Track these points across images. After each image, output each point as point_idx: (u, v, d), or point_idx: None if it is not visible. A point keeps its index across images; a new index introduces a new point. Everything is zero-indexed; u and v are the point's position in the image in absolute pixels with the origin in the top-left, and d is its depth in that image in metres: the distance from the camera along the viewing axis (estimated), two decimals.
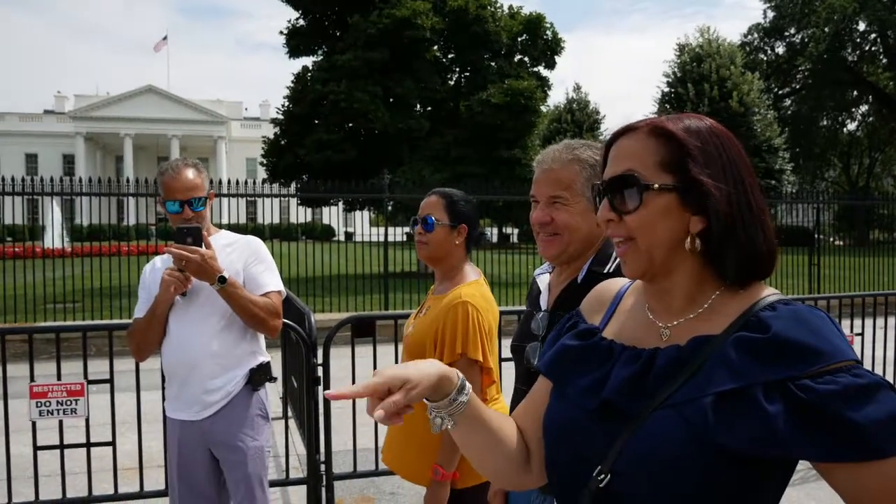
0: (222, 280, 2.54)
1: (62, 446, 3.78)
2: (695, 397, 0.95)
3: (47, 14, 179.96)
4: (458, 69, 23.07)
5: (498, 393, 2.47)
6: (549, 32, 22.52)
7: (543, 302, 1.84)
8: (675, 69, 29.09)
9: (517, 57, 22.80)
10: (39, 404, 3.55)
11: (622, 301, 1.19)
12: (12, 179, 10.32)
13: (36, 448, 3.75)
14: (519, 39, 22.42)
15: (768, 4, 45.63)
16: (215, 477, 2.75)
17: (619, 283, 1.25)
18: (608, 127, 39.42)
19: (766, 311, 0.99)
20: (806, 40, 44.14)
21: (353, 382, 4.33)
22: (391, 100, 20.78)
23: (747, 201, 1.02)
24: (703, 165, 1.01)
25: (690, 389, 0.96)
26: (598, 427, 1.03)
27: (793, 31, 45.35)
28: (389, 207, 14.60)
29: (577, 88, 41.01)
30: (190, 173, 2.64)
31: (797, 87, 47.29)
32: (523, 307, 2.12)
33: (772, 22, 45.73)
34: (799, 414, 0.89)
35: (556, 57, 22.99)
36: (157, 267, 2.77)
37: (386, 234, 12.24)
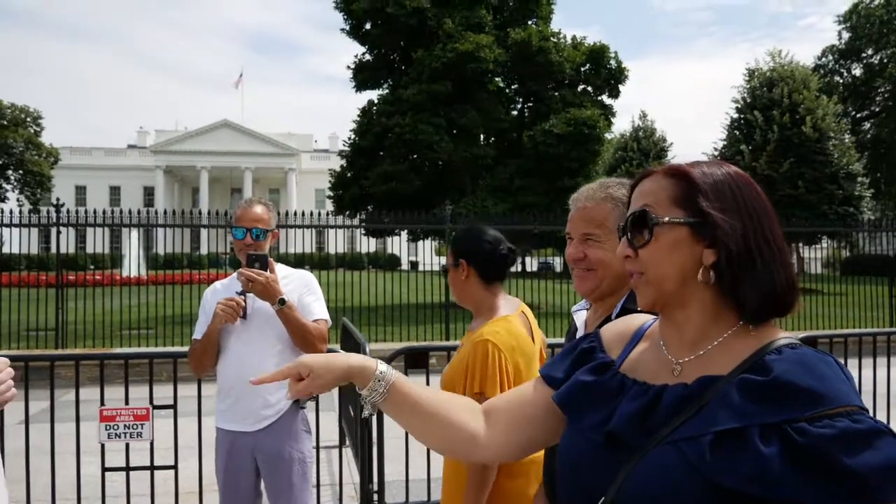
0: (282, 301, 2.83)
1: (128, 468, 3.95)
2: (695, 435, 0.97)
3: (129, 54, 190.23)
4: (521, 99, 23.23)
5: None
6: (612, 62, 22.47)
7: None
8: (745, 95, 28.44)
9: (581, 86, 22.80)
10: (108, 427, 3.72)
11: (643, 338, 1.22)
12: (94, 212, 10.91)
13: (104, 470, 3.93)
14: (582, 69, 22.44)
15: (843, 25, 44.30)
16: (256, 485, 3.03)
17: (642, 318, 1.27)
18: (675, 154, 38.71)
19: (772, 355, 1.01)
20: (885, 61, 42.58)
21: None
22: (455, 131, 21.04)
23: (764, 238, 1.05)
24: (714, 201, 1.05)
25: (692, 427, 0.98)
26: (604, 459, 1.06)
27: (870, 51, 43.83)
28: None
29: (643, 116, 40.44)
30: (258, 208, 3.03)
31: (876, 109, 45.51)
32: None
33: (847, 43, 44.34)
34: (794, 456, 0.90)
35: (620, 85, 22.88)
36: (218, 290, 3.09)
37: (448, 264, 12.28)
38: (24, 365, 3.91)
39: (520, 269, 24.17)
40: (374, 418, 4.18)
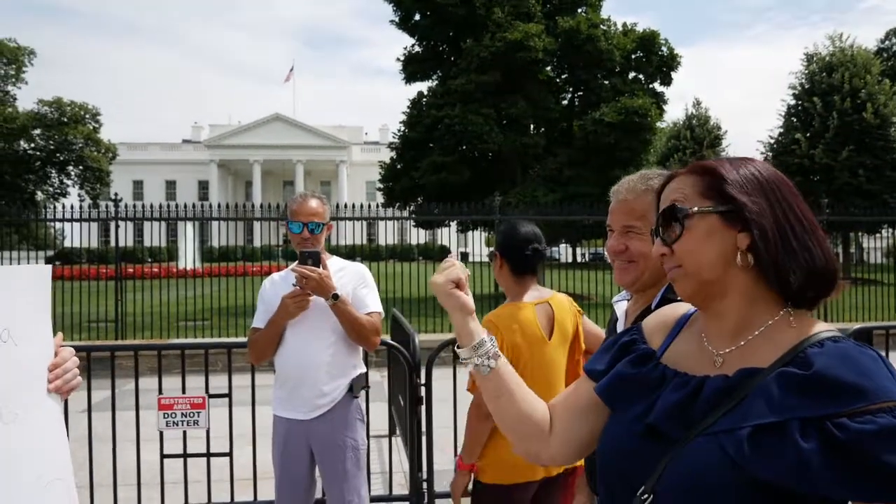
0: (335, 297, 2.89)
1: (185, 455, 4.07)
2: (734, 427, 0.97)
3: (184, 51, 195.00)
4: (571, 88, 22.99)
5: None
6: (664, 48, 22.04)
7: (620, 328, 1.88)
8: (803, 80, 27.54)
9: (631, 74, 22.44)
10: (166, 415, 3.83)
11: (685, 327, 1.22)
12: (151, 206, 11.23)
13: (162, 456, 4.06)
14: (633, 57, 22.07)
15: None
16: (311, 471, 3.10)
17: (684, 307, 1.27)
18: (730, 143, 37.81)
19: (814, 348, 1.00)
20: None
21: (455, 403, 4.40)
22: (504, 121, 20.95)
23: (797, 218, 1.06)
24: (740, 186, 1.07)
25: (731, 420, 0.98)
26: (644, 449, 1.07)
27: None
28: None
29: (697, 104, 39.61)
30: (314, 202, 3.06)
31: None
32: None
33: None
34: (833, 452, 0.89)
35: (672, 73, 22.44)
36: (276, 281, 3.16)
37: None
38: (86, 355, 4.04)
39: (571, 259, 23.98)
40: (423, 408, 4.20)
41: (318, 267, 2.90)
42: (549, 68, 22.25)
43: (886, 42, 43.62)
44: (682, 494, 0.99)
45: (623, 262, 1.78)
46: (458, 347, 1.27)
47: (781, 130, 27.77)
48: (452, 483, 2.67)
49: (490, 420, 2.37)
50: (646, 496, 1.03)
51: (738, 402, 0.99)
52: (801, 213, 1.07)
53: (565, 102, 22.71)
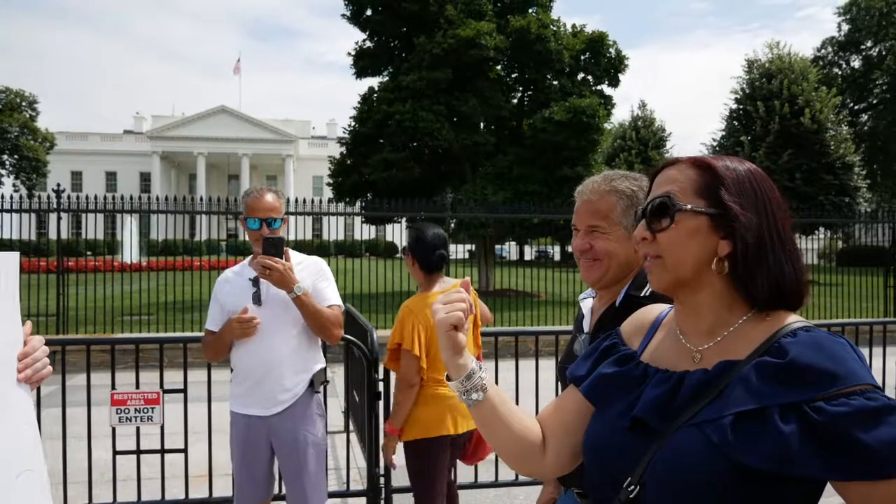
0: (299, 289, 2.87)
1: (139, 452, 3.99)
2: (716, 417, 1.01)
3: (127, 39, 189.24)
4: (521, 88, 23.15)
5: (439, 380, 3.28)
6: (612, 50, 22.37)
7: (586, 325, 1.93)
8: (744, 86, 28.42)
9: (580, 75, 22.71)
10: (119, 411, 3.75)
11: (660, 327, 1.27)
12: (94, 197, 10.89)
13: (115, 453, 3.97)
14: (582, 58, 22.33)
15: (843, 17, 44.25)
16: (271, 467, 3.09)
17: (658, 308, 1.32)
18: (674, 144, 38.72)
19: (788, 338, 1.05)
20: (884, 53, 42.56)
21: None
22: (455, 118, 20.99)
23: (777, 233, 1.10)
24: (735, 195, 1.10)
25: (713, 410, 1.03)
26: (629, 443, 1.11)
27: (869, 43, 43.84)
28: (452, 225, 14.69)
29: (643, 105, 40.54)
30: (270, 197, 3.04)
31: (874, 101, 45.55)
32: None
33: (847, 35, 44.32)
34: (812, 434, 0.95)
35: (619, 75, 22.79)
36: (230, 278, 3.10)
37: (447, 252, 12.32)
38: None
39: (518, 257, 24.21)
40: (381, 403, 4.22)
41: (282, 252, 2.87)
42: (499, 67, 22.35)
43: (822, 51, 45.34)
44: (668, 484, 1.03)
45: (588, 261, 1.83)
46: (449, 380, 1.27)
47: (724, 133, 28.62)
48: (383, 446, 3.29)
49: (412, 390, 3.12)
50: (632, 487, 1.07)
51: (719, 393, 1.04)
52: (783, 228, 1.11)
53: (515, 101, 22.84)
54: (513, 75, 23.02)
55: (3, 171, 45.07)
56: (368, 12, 22.23)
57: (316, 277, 3.06)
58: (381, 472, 4.22)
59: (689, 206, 1.11)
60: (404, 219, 19.08)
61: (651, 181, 1.22)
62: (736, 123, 28.30)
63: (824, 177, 25.35)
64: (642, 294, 1.75)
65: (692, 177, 1.13)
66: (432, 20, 21.00)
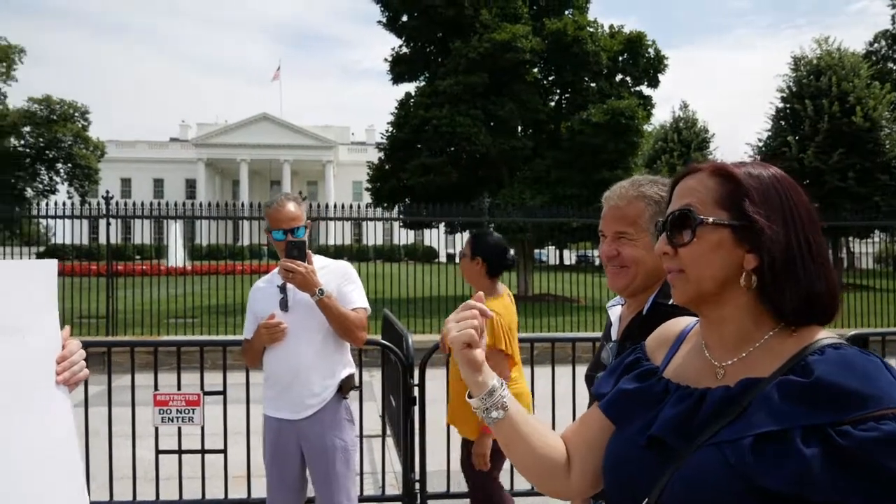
0: (321, 292, 2.90)
1: (180, 451, 4.10)
2: (737, 437, 0.97)
3: (172, 51, 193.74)
4: (558, 90, 23.06)
5: (520, 377, 3.60)
6: (650, 50, 22.14)
7: (614, 333, 1.91)
8: (791, 84, 27.72)
9: (618, 76, 22.53)
10: (162, 411, 3.87)
11: (685, 341, 1.23)
12: (142, 204, 11.22)
13: (158, 452, 4.09)
14: (620, 59, 22.16)
15: None
16: (302, 471, 3.12)
17: (684, 321, 1.28)
18: (717, 146, 38.03)
19: (815, 356, 1.00)
20: None
21: (447, 404, 4.45)
22: (492, 123, 20.99)
23: (807, 244, 1.04)
24: (759, 205, 1.04)
25: (734, 430, 0.99)
26: (648, 461, 1.08)
27: None
28: (490, 230, 14.72)
29: (684, 106, 39.92)
30: (291, 206, 3.06)
31: None
32: None
33: None
34: (836, 459, 0.90)
35: (659, 75, 22.54)
36: (262, 287, 3.19)
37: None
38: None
39: (557, 261, 24.04)
40: (416, 409, 4.25)
41: (304, 256, 2.92)
42: (536, 70, 22.30)
43: (875, 45, 43.93)
44: None
45: (615, 268, 1.80)
46: (470, 398, 1.24)
47: (770, 133, 27.91)
48: (478, 445, 3.37)
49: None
50: None
51: (741, 413, 1.00)
52: (812, 238, 1.05)
53: (552, 104, 22.76)
54: (550, 78, 22.94)
55: (58, 179, 46.65)
56: (404, 18, 22.39)
57: (341, 281, 3.09)
58: (417, 476, 4.24)
59: (710, 220, 1.06)
60: (442, 223, 19.19)
61: (671, 191, 1.17)
62: (783, 123, 27.59)
63: (879, 177, 24.49)
64: (670, 302, 1.73)
65: (712, 187, 1.08)
66: (468, 24, 21.05)
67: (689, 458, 1.01)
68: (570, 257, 31.84)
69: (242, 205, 12.00)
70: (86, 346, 1.49)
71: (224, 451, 4.15)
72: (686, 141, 37.61)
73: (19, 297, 1.31)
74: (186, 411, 3.88)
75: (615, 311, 1.97)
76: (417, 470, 4.23)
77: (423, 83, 22.85)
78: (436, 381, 4.40)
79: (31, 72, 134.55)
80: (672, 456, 1.04)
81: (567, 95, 22.63)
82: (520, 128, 21.99)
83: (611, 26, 22.85)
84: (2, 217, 13.66)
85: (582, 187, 19.68)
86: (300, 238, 2.98)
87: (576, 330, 11.96)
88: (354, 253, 18.60)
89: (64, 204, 11.32)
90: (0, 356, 1.25)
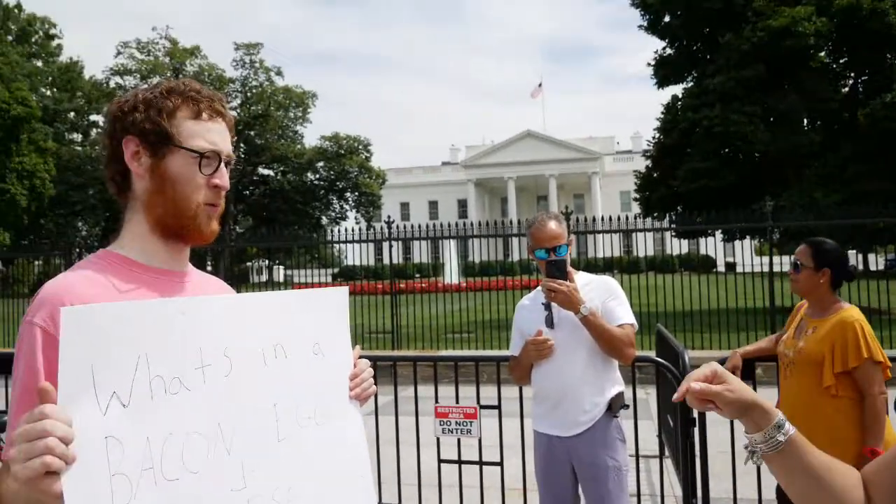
0: (585, 310, 2.88)
1: (460, 462, 4.27)
2: None
3: (440, 80, 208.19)
4: (852, 74, 20.48)
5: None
6: None
7: None
8: None
9: None
10: (442, 423, 4.06)
11: None
12: (419, 226, 12.11)
13: (440, 461, 4.30)
14: None
15: None
16: (574, 489, 3.07)
17: None
18: None
19: None
20: None
21: (732, 426, 4.08)
22: (771, 118, 19.30)
23: None
24: None
25: None
26: None
27: None
28: (776, 236, 13.49)
29: None
30: (553, 225, 3.05)
31: None
32: None
33: None
34: None
35: None
36: (526, 305, 3.24)
37: (771, 265, 11.30)
38: (371, 364, 4.45)
39: (861, 267, 21.25)
40: (697, 430, 3.97)
41: (565, 274, 2.92)
42: (822, 54, 20.05)
43: None
44: None
45: None
46: (748, 433, 1.13)
47: None
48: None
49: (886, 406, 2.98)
50: None
51: None
52: None
53: (846, 90, 20.28)
54: (841, 61, 20.46)
55: (347, 207, 52.58)
56: (666, 19, 21.65)
57: (605, 296, 3.05)
58: (699, 502, 3.95)
59: None
60: (719, 231, 17.99)
61: None
62: None
63: None
64: None
65: None
66: (738, 15, 19.66)
67: None
68: (875, 262, 27.97)
69: (511, 222, 12.37)
70: (374, 360, 1.60)
71: (500, 464, 4.23)
72: None
73: (319, 319, 1.45)
74: (464, 423, 4.03)
75: None
76: (699, 495, 3.94)
77: (690, 83, 21.86)
78: None
79: (321, 113, 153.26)
80: None
81: (864, 78, 19.99)
82: (805, 121, 19.91)
83: None
84: (304, 244, 15.62)
85: (887, 181, 17.17)
86: (561, 257, 2.97)
87: (890, 346, 10.38)
88: (624, 265, 18.18)
89: (352, 230, 12.65)
90: (311, 373, 1.40)
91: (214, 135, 1.35)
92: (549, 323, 3.01)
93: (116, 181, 1.38)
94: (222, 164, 1.37)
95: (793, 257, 3.24)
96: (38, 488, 0.90)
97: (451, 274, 24.07)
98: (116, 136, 1.33)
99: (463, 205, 69.62)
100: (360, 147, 51.95)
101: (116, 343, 1.02)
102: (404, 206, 71.18)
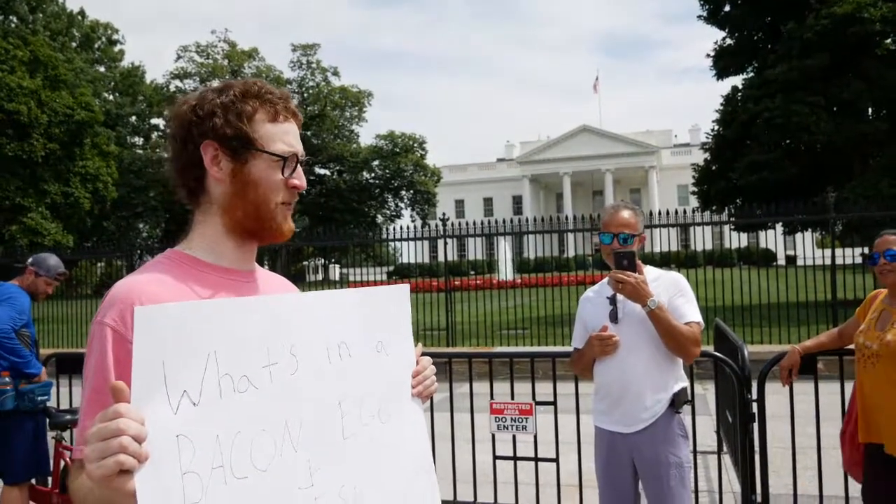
0: (653, 303, 2.83)
1: (515, 458, 4.32)
2: None
3: (495, 76, 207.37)
4: None
5: None
6: None
7: None
8: None
9: None
10: (497, 419, 4.12)
11: None
12: (473, 223, 12.16)
13: (495, 457, 4.36)
14: None
15: None
16: (635, 485, 3.05)
17: None
18: None
19: None
20: None
21: (792, 421, 4.04)
22: (835, 108, 18.66)
23: None
24: None
25: None
26: None
27: None
28: (838, 228, 13.07)
29: None
30: (626, 213, 3.04)
31: None
32: None
33: None
34: None
35: None
36: (591, 297, 3.20)
37: (833, 258, 10.98)
38: None
39: None
40: (756, 426, 3.94)
41: (634, 266, 2.86)
42: (889, 40, 19.28)
43: None
44: None
45: None
46: None
47: None
48: None
49: None
50: None
51: None
52: None
53: None
54: None
55: (402, 205, 52.97)
56: (726, 8, 21.17)
57: (673, 293, 2.99)
58: (759, 499, 3.92)
59: None
60: (779, 224, 17.51)
61: None
62: None
63: None
64: None
65: None
66: (801, 3, 19.06)
67: None
68: None
69: (566, 217, 12.32)
70: (430, 357, 1.64)
71: (556, 461, 4.27)
72: None
73: (382, 317, 1.48)
74: (520, 420, 4.07)
75: None
76: (759, 491, 3.91)
77: (750, 74, 21.31)
78: (777, 396, 4.02)
79: (376, 112, 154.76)
80: None
81: None
82: (871, 109, 19.20)
83: None
84: (359, 242, 15.84)
85: None
86: (630, 248, 2.94)
87: None
88: (682, 259, 17.85)
89: (408, 227, 12.76)
90: (374, 371, 1.43)
91: (291, 136, 1.38)
92: (614, 318, 2.99)
93: (189, 185, 1.38)
94: (299, 165, 1.39)
95: (881, 248, 3.02)
96: (112, 486, 0.92)
97: (506, 270, 24.07)
98: (193, 141, 1.33)
99: (518, 201, 69.25)
100: (415, 145, 52.25)
101: (187, 342, 1.02)
102: (459, 203, 71.22)
